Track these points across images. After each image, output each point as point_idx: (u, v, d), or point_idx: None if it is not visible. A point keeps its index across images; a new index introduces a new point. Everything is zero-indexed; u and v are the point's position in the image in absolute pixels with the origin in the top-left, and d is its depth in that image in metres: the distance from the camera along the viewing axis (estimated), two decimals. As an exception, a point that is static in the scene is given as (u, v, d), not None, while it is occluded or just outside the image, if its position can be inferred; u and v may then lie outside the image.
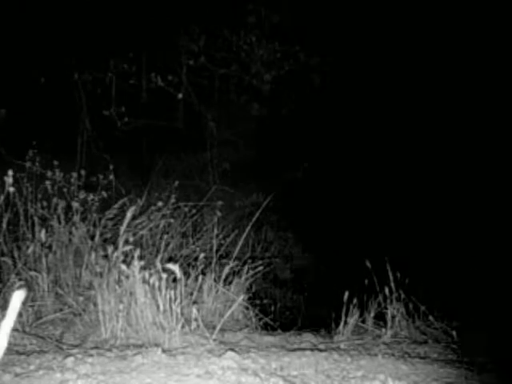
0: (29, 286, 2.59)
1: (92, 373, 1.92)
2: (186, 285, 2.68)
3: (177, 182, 4.26)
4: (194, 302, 2.66)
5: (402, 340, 2.65)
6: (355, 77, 6.92)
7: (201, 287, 2.79)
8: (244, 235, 3.22)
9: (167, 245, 3.23)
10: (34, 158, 3.42)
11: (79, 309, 2.57)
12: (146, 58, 6.55)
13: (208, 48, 6.75)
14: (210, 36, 6.67)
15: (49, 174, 3.28)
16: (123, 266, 2.37)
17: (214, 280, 2.87)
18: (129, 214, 2.70)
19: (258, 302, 3.54)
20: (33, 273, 2.63)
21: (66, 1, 5.65)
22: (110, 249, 2.46)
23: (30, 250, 2.70)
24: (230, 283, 2.99)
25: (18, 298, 1.05)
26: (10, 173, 2.78)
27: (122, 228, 2.63)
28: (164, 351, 2.13)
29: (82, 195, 3.31)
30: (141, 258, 2.37)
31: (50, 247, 2.82)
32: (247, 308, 3.03)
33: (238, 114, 7.20)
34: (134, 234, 3.19)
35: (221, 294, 2.88)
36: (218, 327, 2.38)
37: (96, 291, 2.44)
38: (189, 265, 3.08)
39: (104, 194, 3.56)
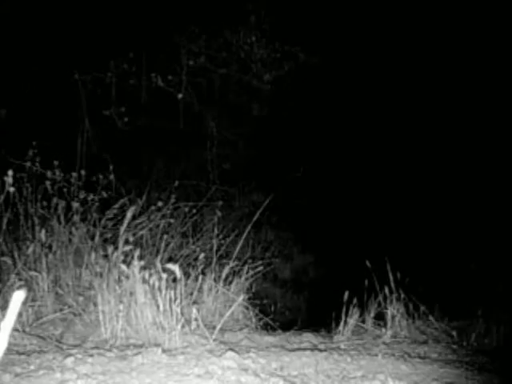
0: (29, 286, 2.59)
1: (92, 373, 1.92)
2: (185, 285, 2.68)
3: (177, 182, 4.26)
4: (194, 302, 2.66)
5: (402, 340, 2.66)
6: (355, 77, 6.93)
7: (201, 287, 2.79)
8: (244, 235, 3.22)
9: (167, 245, 3.23)
10: (34, 158, 3.41)
11: (79, 309, 2.57)
12: (146, 58, 6.54)
13: (208, 48, 6.75)
14: (210, 36, 6.66)
15: (49, 174, 3.28)
16: (123, 266, 2.37)
17: (214, 280, 2.87)
18: (129, 214, 2.70)
19: (257, 302, 3.54)
20: (33, 273, 2.63)
21: (67, 1, 5.65)
22: (110, 249, 2.46)
23: (30, 250, 2.70)
24: (230, 283, 2.99)
25: (17, 297, 1.05)
26: (10, 173, 2.78)
27: (122, 228, 2.63)
28: (164, 351, 2.13)
29: (82, 195, 3.30)
30: (141, 257, 2.37)
31: (50, 247, 2.82)
32: (247, 308, 3.03)
33: (238, 114, 7.20)
34: (134, 234, 3.19)
35: (221, 294, 2.88)
36: (218, 327, 2.38)
37: (96, 291, 2.44)
38: (189, 265, 3.08)
39: (104, 194, 3.55)
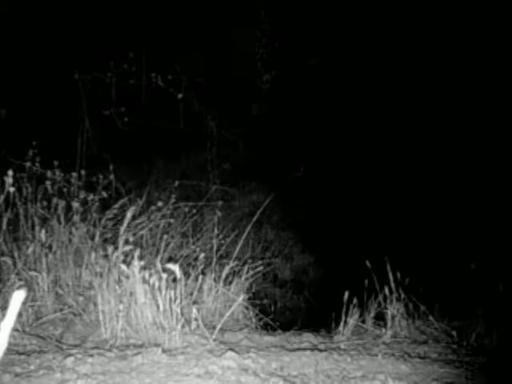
0: (29, 286, 2.59)
1: (92, 373, 1.92)
2: (185, 285, 2.68)
3: (177, 182, 4.26)
4: (194, 302, 2.66)
5: (402, 340, 2.66)
6: (355, 77, 6.92)
7: (201, 287, 2.79)
8: (244, 235, 3.22)
9: (167, 245, 3.23)
10: (34, 158, 3.42)
11: (79, 309, 2.57)
12: (146, 58, 6.55)
13: (208, 48, 6.75)
14: (210, 36, 6.67)
15: (49, 174, 3.28)
16: (123, 266, 2.36)
17: (214, 280, 2.87)
18: (129, 214, 2.70)
19: (258, 302, 3.54)
20: (33, 273, 2.62)
21: (67, 1, 5.65)
22: (110, 249, 2.46)
23: (30, 250, 2.70)
24: (230, 283, 2.98)
25: (17, 297, 1.05)
26: (10, 173, 2.78)
27: (122, 228, 2.63)
28: (164, 351, 2.13)
29: (82, 195, 3.30)
30: (141, 257, 2.37)
31: (50, 247, 2.82)
32: (247, 308, 3.03)
33: (238, 114, 7.20)
34: (134, 234, 3.19)
35: (221, 294, 2.88)
36: (218, 327, 2.38)
37: (96, 291, 2.44)
38: (189, 265, 3.08)
39: (104, 193, 3.55)
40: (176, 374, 1.93)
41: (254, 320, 3.01)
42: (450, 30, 6.22)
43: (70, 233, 2.98)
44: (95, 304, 2.45)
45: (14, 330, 2.26)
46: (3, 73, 4.98)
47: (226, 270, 2.92)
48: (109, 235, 3.23)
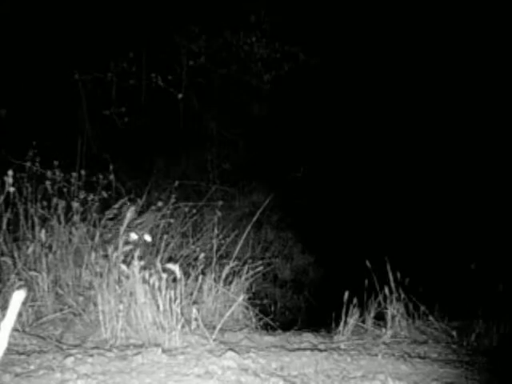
0: (29, 286, 2.59)
1: (92, 373, 1.92)
2: (185, 285, 2.68)
3: (177, 182, 4.26)
4: (194, 302, 2.66)
5: (402, 340, 2.66)
6: (355, 77, 6.93)
7: (201, 287, 2.79)
8: (244, 235, 3.22)
9: (167, 245, 3.23)
10: (34, 158, 3.42)
11: (79, 309, 2.57)
12: (146, 58, 6.55)
13: (208, 48, 6.75)
14: (210, 36, 6.67)
15: (49, 174, 3.28)
16: (123, 266, 2.36)
17: (214, 280, 2.87)
18: (129, 214, 2.69)
19: (258, 301, 3.54)
20: (33, 273, 2.62)
21: (67, 1, 5.65)
22: (110, 249, 2.46)
23: (30, 250, 2.70)
24: (230, 283, 2.98)
25: (18, 297, 1.05)
26: (10, 173, 2.78)
27: (122, 228, 2.63)
28: (164, 351, 2.13)
29: (82, 195, 3.30)
30: (141, 258, 2.37)
31: (50, 247, 2.82)
32: (247, 308, 3.02)
33: (238, 114, 7.21)
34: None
35: (221, 294, 2.88)
36: (218, 327, 2.38)
37: (96, 291, 2.44)
38: (189, 265, 3.08)
39: (104, 193, 3.55)
40: (176, 374, 1.93)
41: (253, 320, 3.01)
42: (450, 30, 6.22)
43: (70, 233, 2.98)
44: (95, 304, 2.45)
45: (14, 330, 2.26)
46: (3, 73, 4.98)
47: (226, 270, 2.92)
48: (109, 235, 3.23)
